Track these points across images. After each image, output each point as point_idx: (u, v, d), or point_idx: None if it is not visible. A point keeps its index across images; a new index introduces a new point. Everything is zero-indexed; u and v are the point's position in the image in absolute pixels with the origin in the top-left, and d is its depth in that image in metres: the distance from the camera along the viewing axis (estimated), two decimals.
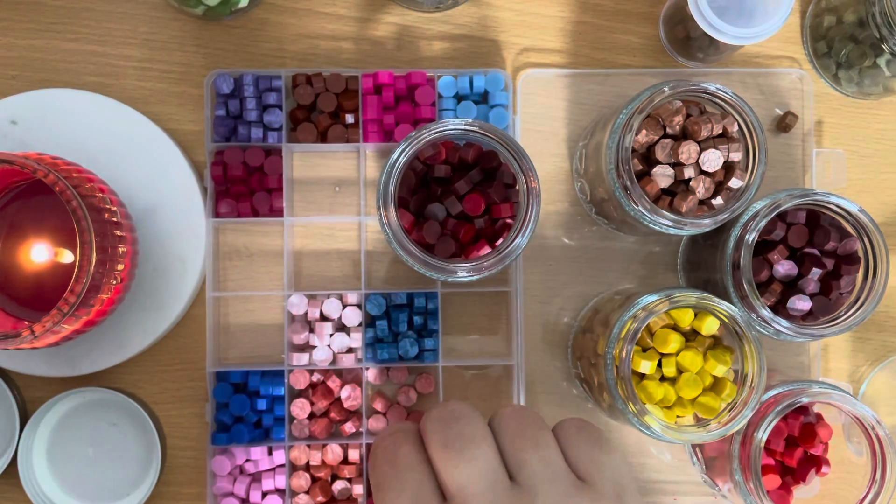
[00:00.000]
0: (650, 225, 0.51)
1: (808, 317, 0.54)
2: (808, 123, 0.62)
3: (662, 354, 0.51)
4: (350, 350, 0.59)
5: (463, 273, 0.49)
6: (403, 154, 0.49)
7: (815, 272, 0.53)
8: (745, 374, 0.50)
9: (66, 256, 0.53)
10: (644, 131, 0.51)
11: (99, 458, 0.59)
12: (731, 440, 0.53)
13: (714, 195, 0.51)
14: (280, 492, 0.58)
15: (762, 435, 0.51)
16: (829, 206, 0.52)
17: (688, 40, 0.59)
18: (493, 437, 0.37)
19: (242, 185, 0.59)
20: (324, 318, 0.59)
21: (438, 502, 0.34)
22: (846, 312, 0.52)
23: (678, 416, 0.51)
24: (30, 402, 0.59)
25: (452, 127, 0.49)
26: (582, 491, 0.35)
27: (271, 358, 0.60)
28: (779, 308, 0.54)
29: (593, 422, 0.40)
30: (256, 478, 0.59)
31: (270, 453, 0.59)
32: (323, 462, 0.58)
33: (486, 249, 0.51)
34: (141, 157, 0.58)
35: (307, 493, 0.58)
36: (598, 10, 0.62)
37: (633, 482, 0.37)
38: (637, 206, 0.50)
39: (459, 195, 0.51)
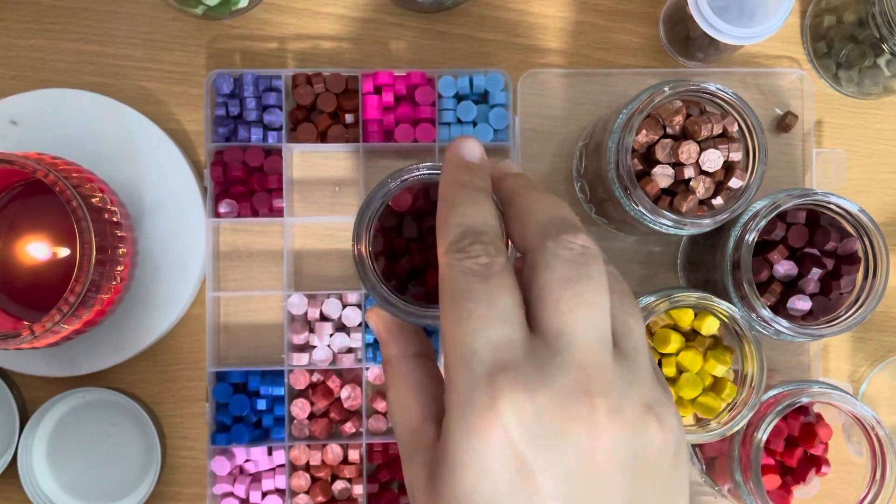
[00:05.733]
0: (650, 225, 0.51)
1: (808, 317, 0.54)
2: (808, 123, 0.62)
3: (662, 354, 0.51)
4: (350, 350, 0.59)
5: None
6: (375, 206, 0.41)
7: (815, 272, 0.53)
8: (745, 374, 0.50)
9: (66, 256, 0.53)
10: (644, 131, 0.51)
11: (99, 458, 0.59)
12: (731, 440, 0.53)
13: (714, 195, 0.51)
14: (280, 492, 0.58)
15: (762, 435, 0.51)
16: (829, 206, 0.52)
17: (688, 40, 0.59)
18: None
19: (242, 185, 0.59)
20: (324, 318, 0.59)
21: (528, 334, 0.29)
22: (846, 312, 0.52)
23: None
24: (30, 402, 0.59)
25: (419, 173, 0.44)
26: (661, 378, 0.32)
27: (271, 358, 0.60)
28: (779, 308, 0.54)
29: None
30: (256, 478, 0.59)
31: (270, 453, 0.59)
32: (323, 462, 0.58)
33: None
34: (141, 157, 0.58)
35: (307, 493, 0.58)
36: (598, 10, 0.62)
37: None
38: (637, 206, 0.50)
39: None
